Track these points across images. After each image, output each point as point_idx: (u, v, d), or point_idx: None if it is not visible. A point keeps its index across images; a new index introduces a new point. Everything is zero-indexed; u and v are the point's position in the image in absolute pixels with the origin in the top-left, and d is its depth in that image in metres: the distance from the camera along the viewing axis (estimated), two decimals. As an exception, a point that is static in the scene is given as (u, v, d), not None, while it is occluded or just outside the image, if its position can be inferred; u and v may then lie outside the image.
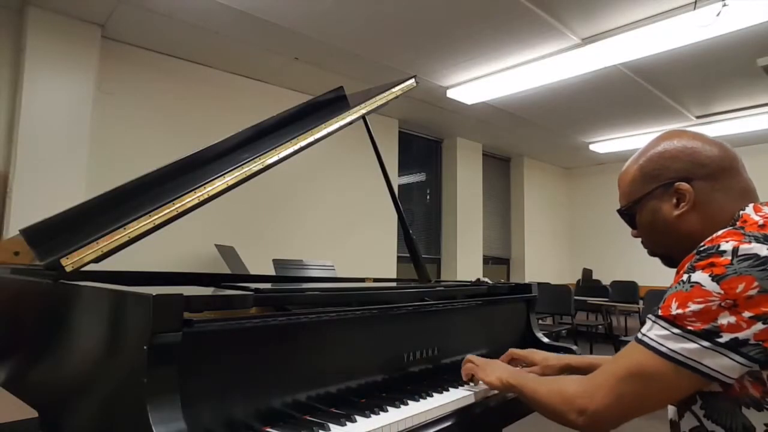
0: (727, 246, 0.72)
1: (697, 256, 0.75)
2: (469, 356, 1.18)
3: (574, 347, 1.59)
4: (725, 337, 0.69)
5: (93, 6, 3.25)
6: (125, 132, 3.73)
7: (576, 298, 5.47)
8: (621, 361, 0.80)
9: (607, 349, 5.53)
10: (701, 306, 0.71)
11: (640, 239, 0.98)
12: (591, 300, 5.97)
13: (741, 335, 0.68)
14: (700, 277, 0.73)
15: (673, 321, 0.73)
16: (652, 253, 0.97)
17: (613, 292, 6.14)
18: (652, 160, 0.91)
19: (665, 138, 0.92)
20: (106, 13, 3.34)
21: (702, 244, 0.77)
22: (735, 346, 0.69)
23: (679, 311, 0.73)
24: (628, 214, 0.96)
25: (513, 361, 1.25)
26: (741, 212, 0.82)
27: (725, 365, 0.70)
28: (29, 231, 1.04)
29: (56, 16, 3.29)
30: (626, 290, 6.16)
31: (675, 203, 0.87)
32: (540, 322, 4.52)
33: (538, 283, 2.28)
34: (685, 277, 0.75)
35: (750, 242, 0.71)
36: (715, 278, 0.71)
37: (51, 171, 3.22)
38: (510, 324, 1.64)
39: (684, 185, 0.86)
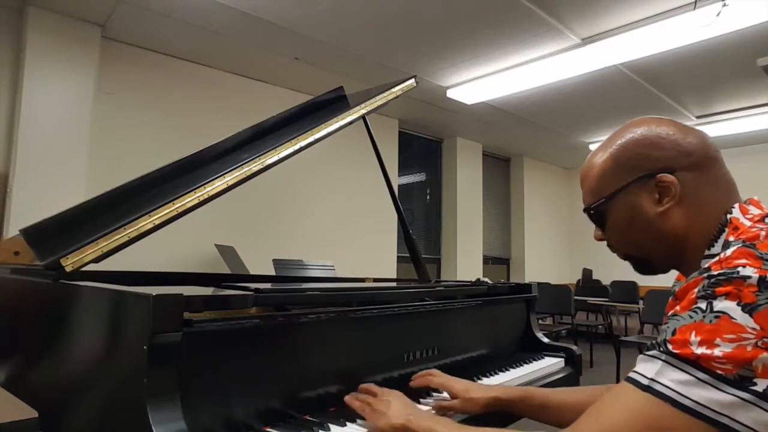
0: (748, 272, 0.59)
1: (711, 280, 0.61)
2: (366, 386, 0.96)
3: (574, 347, 1.59)
4: (761, 385, 0.56)
5: (93, 6, 3.25)
6: (125, 132, 3.73)
7: (576, 298, 5.46)
8: (617, 416, 0.61)
9: (607, 349, 5.52)
10: (734, 345, 0.56)
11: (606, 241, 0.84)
12: (591, 300, 5.97)
13: None
14: (727, 306, 0.58)
15: (695, 362, 0.58)
16: (624, 256, 0.83)
17: (613, 292, 6.13)
18: (628, 148, 0.77)
19: (639, 124, 0.79)
20: (106, 13, 3.34)
21: (707, 266, 0.63)
22: None
23: (705, 350, 0.57)
24: (597, 212, 0.81)
25: (427, 389, 1.05)
26: (729, 216, 0.71)
27: (761, 420, 0.56)
28: (29, 231, 1.05)
29: (56, 16, 3.29)
30: (626, 290, 6.16)
31: (657, 198, 0.75)
32: (540, 322, 4.52)
33: (538, 283, 2.28)
34: (702, 304, 0.60)
35: None
36: (746, 308, 0.57)
37: (51, 171, 3.22)
38: (510, 324, 1.64)
39: (668, 177, 0.73)
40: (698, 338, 0.58)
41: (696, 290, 0.62)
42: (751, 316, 0.57)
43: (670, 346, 0.60)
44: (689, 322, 0.60)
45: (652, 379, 0.60)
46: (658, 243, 0.76)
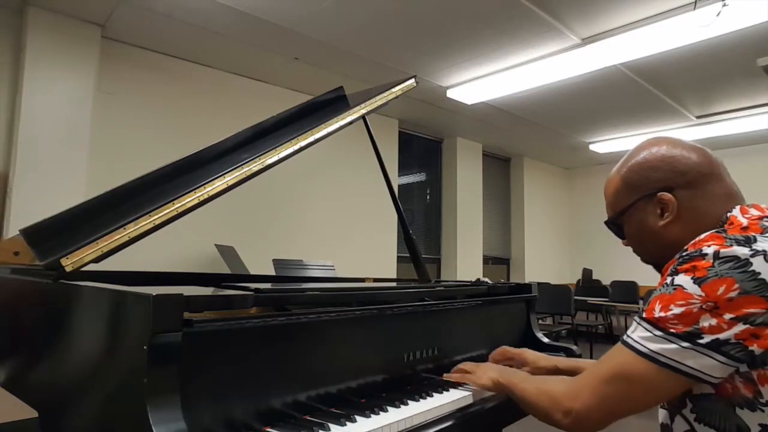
0: (709, 250, 0.73)
1: (680, 260, 0.76)
2: (461, 365, 1.19)
3: (574, 347, 1.59)
4: (706, 339, 0.70)
5: (93, 6, 3.25)
6: (125, 132, 3.73)
7: (576, 298, 5.46)
8: (606, 363, 0.82)
9: (607, 349, 5.52)
10: (683, 309, 0.72)
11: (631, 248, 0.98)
12: (591, 300, 5.97)
13: (722, 336, 0.69)
14: (683, 279, 0.74)
15: (655, 323, 0.75)
16: (644, 261, 0.97)
17: (613, 292, 6.14)
18: (634, 171, 0.91)
19: (646, 147, 0.92)
20: (106, 13, 3.34)
21: (685, 248, 0.78)
22: (716, 346, 0.70)
23: (662, 314, 0.74)
24: (615, 225, 0.96)
25: (506, 360, 1.28)
26: (729, 214, 0.82)
27: (707, 365, 0.71)
28: (29, 231, 1.04)
29: (56, 16, 3.29)
30: (626, 290, 6.16)
31: (659, 213, 0.88)
32: (540, 322, 4.51)
33: (538, 283, 2.29)
34: (668, 279, 0.76)
35: (731, 245, 0.72)
36: (697, 281, 0.72)
37: (51, 171, 3.22)
38: (510, 324, 1.64)
39: (666, 195, 0.86)
40: (660, 305, 0.76)
41: (671, 268, 0.78)
42: (699, 286, 0.72)
43: (643, 313, 0.78)
44: (658, 294, 0.77)
45: (628, 336, 0.79)
46: (665, 251, 0.87)
